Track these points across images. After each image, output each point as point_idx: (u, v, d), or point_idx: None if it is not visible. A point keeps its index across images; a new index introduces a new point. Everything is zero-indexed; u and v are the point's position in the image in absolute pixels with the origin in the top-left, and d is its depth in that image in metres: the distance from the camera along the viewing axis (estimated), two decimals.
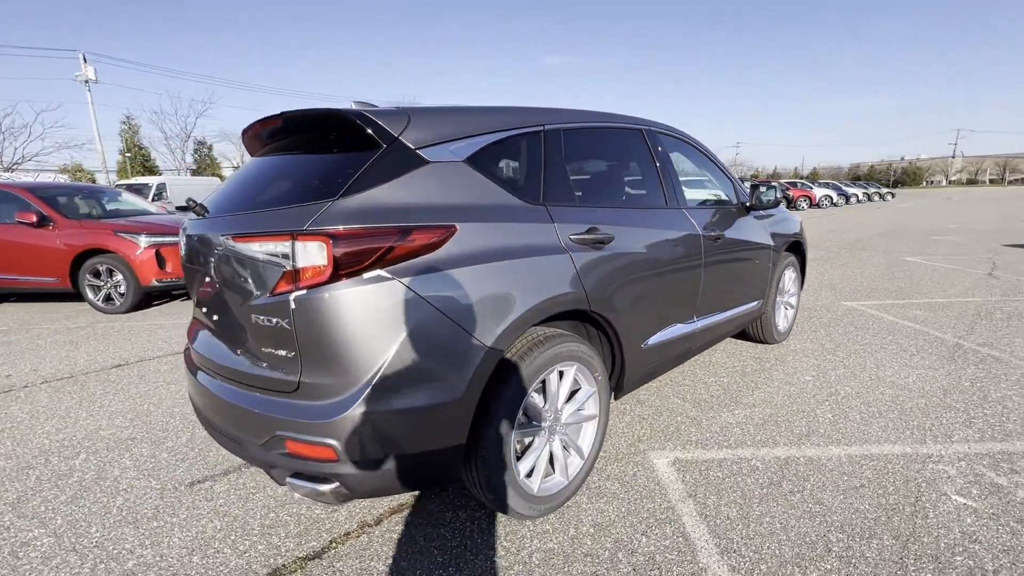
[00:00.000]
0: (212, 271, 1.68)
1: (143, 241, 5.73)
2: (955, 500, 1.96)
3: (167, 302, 6.27)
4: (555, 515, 1.95)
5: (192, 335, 2.01)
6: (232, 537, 1.89)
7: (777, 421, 2.65)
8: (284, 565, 1.73)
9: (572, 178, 2.09)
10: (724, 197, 3.14)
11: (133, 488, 2.22)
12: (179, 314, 5.61)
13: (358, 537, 1.87)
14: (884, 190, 37.99)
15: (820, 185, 29.59)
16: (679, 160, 2.87)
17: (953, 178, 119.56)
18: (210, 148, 41.00)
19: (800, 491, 2.05)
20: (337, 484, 1.46)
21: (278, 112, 1.73)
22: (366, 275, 1.40)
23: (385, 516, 1.98)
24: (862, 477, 2.13)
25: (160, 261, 5.73)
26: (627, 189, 2.46)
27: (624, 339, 2.13)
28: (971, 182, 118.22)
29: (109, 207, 6.78)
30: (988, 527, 1.80)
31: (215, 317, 1.76)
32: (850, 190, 30.77)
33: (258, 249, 1.47)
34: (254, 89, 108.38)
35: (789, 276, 3.85)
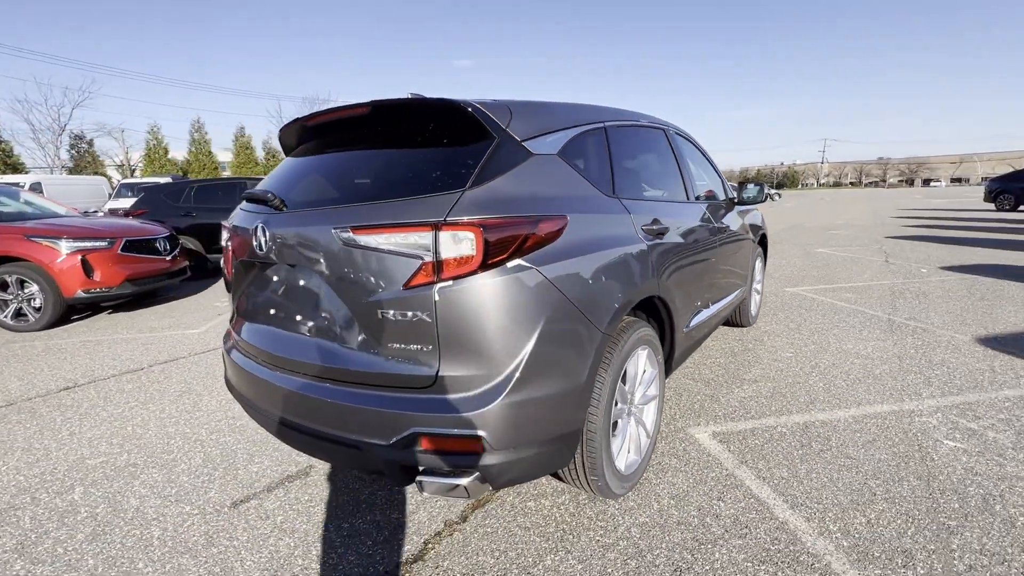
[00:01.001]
0: (310, 267, 1.57)
1: (64, 247, 5.00)
2: (947, 444, 2.34)
3: (89, 316, 5.51)
4: (632, 492, 2.05)
5: (255, 337, 1.84)
6: (313, 552, 1.77)
7: (782, 393, 2.96)
8: (388, 571, 1.67)
9: (630, 173, 2.21)
10: (717, 192, 3.44)
11: (166, 516, 1.99)
12: (111, 329, 4.96)
13: (451, 535, 1.84)
14: (774, 191, 42.67)
15: None
16: (685, 157, 3.10)
17: (822, 181, 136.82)
18: (90, 143, 36.09)
19: (829, 449, 2.32)
20: (475, 476, 1.44)
21: (364, 101, 1.66)
22: (509, 264, 1.40)
23: (468, 513, 1.96)
24: (870, 433, 2.46)
25: (87, 269, 5.03)
26: (665, 183, 2.63)
27: (676, 323, 2.28)
28: (836, 184, 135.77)
29: (7, 209, 5.81)
30: (980, 462, 2.18)
31: (309, 316, 1.65)
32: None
33: (387, 241, 1.41)
34: (145, 79, 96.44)
35: (758, 265, 4.28)
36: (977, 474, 2.09)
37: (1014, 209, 17.91)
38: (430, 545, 1.79)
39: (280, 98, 63.04)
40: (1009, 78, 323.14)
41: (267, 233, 1.67)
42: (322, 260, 1.54)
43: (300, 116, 1.90)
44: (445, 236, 1.36)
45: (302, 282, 1.66)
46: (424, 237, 1.37)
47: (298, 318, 1.69)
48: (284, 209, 1.68)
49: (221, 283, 7.39)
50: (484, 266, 1.36)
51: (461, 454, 1.42)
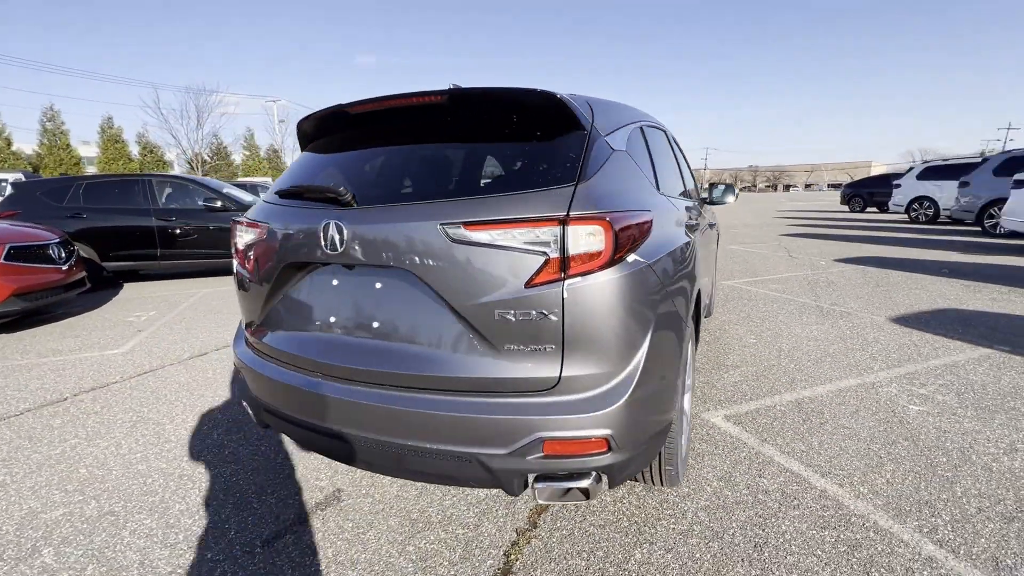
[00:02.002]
0: (403, 267, 1.43)
1: None
2: (913, 408, 2.72)
3: None
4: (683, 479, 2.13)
5: (310, 348, 1.62)
6: None
7: (765, 375, 3.25)
8: None
9: (661, 170, 2.29)
10: (693, 191, 3.68)
11: (186, 568, 1.69)
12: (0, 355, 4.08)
13: (529, 543, 1.77)
14: None
15: None
16: (680, 155, 3.29)
17: (705, 186, 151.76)
18: None
19: (826, 422, 2.59)
20: (594, 477, 1.41)
21: (442, 88, 1.54)
22: (629, 259, 1.38)
23: (536, 519, 1.90)
24: (851, 404, 2.79)
25: None
26: (675, 181, 2.75)
27: (700, 313, 2.41)
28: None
29: None
30: (943, 421, 2.57)
31: (397, 321, 1.49)
32: None
33: (504, 238, 1.32)
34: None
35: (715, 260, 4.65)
36: (946, 431, 2.46)
37: (863, 210, 21.33)
38: (512, 556, 1.71)
39: (158, 86, 55.90)
40: (851, 99, 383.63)
41: (345, 231, 1.48)
42: (423, 259, 1.40)
43: (343, 103, 1.71)
44: (573, 231, 1.30)
45: (381, 285, 1.50)
46: (548, 232, 1.31)
47: (376, 324, 1.52)
48: (355, 205, 1.51)
49: (124, 294, 6.40)
50: (612, 261, 1.34)
51: (585, 456, 1.37)
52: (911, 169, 15.58)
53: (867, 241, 10.47)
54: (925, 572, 1.59)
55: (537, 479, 1.40)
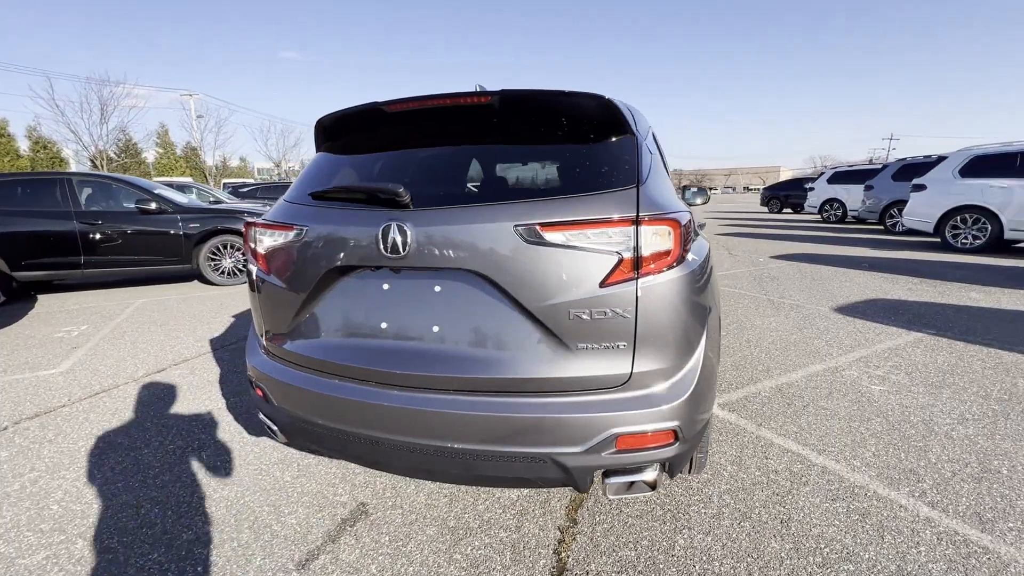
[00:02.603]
0: (471, 269, 1.41)
1: None
2: (875, 388, 3.03)
3: None
4: None
5: (357, 355, 1.54)
6: None
7: (743, 365, 3.48)
8: None
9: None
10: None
11: None
12: None
13: (575, 539, 1.80)
14: None
15: None
16: None
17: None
18: None
19: (808, 405, 2.83)
20: (658, 468, 1.46)
21: (490, 90, 1.53)
22: (688, 258, 1.45)
23: (572, 514, 1.93)
24: (824, 388, 3.06)
25: None
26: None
27: None
28: None
29: None
30: (903, 396, 2.89)
31: (462, 324, 1.45)
32: None
33: (578, 238, 1.34)
34: None
35: None
36: (907, 407, 2.77)
37: (780, 211, 23.31)
38: (563, 554, 1.73)
39: (52, 75, 49.93)
40: (761, 108, 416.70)
41: (409, 233, 1.43)
42: (496, 261, 1.38)
43: (378, 101, 1.65)
44: (646, 231, 1.35)
45: (441, 288, 1.47)
46: (621, 232, 1.34)
47: (436, 328, 1.48)
48: (412, 207, 1.46)
49: (42, 308, 5.68)
50: (678, 259, 1.40)
51: (655, 448, 1.42)
52: (822, 174, 17.22)
53: (791, 239, 11.46)
54: (927, 531, 1.79)
55: (607, 474, 1.43)
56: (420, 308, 1.50)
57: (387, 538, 1.83)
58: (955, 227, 8.88)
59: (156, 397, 3.12)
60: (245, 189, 15.32)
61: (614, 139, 1.56)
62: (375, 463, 1.64)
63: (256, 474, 2.25)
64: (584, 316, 1.36)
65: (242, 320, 4.94)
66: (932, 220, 9.12)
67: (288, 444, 1.82)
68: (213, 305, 5.67)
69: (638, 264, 1.36)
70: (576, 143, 1.58)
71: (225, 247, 6.79)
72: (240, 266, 6.88)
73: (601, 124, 1.58)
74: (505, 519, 1.91)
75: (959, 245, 8.82)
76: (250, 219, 1.84)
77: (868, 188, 13.08)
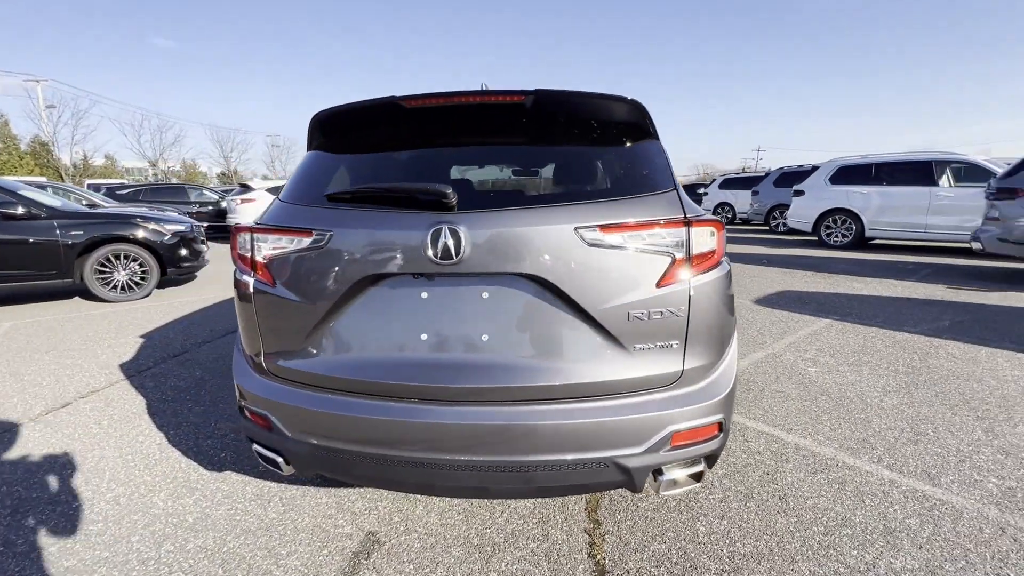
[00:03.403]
0: (529, 272, 1.36)
1: None
2: (811, 370, 3.42)
3: None
4: None
5: (398, 372, 1.40)
6: None
7: None
8: None
9: None
10: None
11: None
12: None
13: (603, 539, 1.80)
14: None
15: None
16: None
17: None
18: None
19: (763, 389, 3.11)
20: (703, 461, 1.51)
21: (525, 88, 1.48)
22: (724, 257, 1.52)
23: (592, 515, 1.94)
24: (772, 373, 3.38)
25: None
26: None
27: None
28: None
29: None
30: (836, 376, 3.28)
31: (513, 330, 1.38)
32: None
33: (634, 240, 1.35)
34: None
35: None
36: (840, 384, 3.16)
37: None
38: (598, 556, 1.72)
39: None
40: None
41: (463, 237, 1.33)
42: (557, 264, 1.34)
43: (395, 96, 1.53)
44: (696, 232, 1.39)
45: (489, 295, 1.40)
46: (674, 234, 1.38)
47: (486, 337, 1.40)
48: (456, 211, 1.37)
49: None
50: (719, 259, 1.46)
51: (703, 442, 1.47)
52: (714, 180, 19.08)
53: None
54: (895, 492, 2.05)
55: (658, 472, 1.46)
56: (466, 317, 1.41)
57: (411, 566, 1.70)
58: (828, 227, 10.30)
59: (68, 437, 2.61)
60: (125, 191, 13.40)
61: (645, 142, 1.60)
62: (420, 487, 1.52)
63: (232, 515, 1.97)
64: (641, 316, 1.38)
65: (156, 340, 4.31)
66: (810, 221, 10.50)
67: (297, 474, 1.62)
68: (109, 325, 4.88)
69: (689, 264, 1.40)
70: (610, 145, 1.59)
71: (117, 258, 5.88)
72: (138, 279, 6.00)
73: (631, 127, 1.60)
74: (529, 529, 1.87)
75: (831, 242, 10.25)
76: (242, 223, 1.61)
77: (755, 193, 14.73)
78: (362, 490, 2.10)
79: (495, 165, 1.62)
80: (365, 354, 1.46)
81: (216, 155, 60.04)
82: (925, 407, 2.81)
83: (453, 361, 1.42)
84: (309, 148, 1.77)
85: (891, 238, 9.61)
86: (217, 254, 9.04)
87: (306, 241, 1.45)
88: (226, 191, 16.14)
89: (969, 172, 8.97)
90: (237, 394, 1.67)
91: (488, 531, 1.86)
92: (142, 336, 4.47)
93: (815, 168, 11.00)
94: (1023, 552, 1.70)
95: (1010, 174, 6.24)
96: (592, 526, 1.88)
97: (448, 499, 2.04)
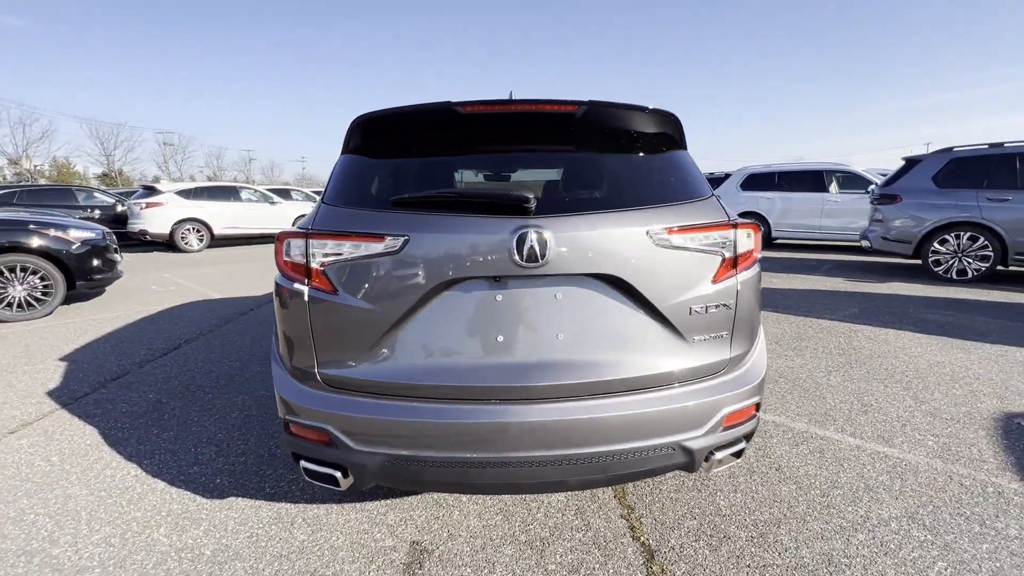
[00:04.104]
0: (606, 273, 1.44)
1: None
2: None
3: None
4: None
5: (481, 375, 1.41)
6: None
7: None
8: None
9: None
10: None
11: None
12: None
13: (641, 522, 1.92)
14: None
15: None
16: None
17: None
18: None
19: None
20: (743, 440, 1.68)
21: (579, 99, 1.56)
22: (759, 255, 1.70)
23: (622, 500, 2.05)
24: None
25: None
26: None
27: None
28: None
29: None
30: (786, 361, 3.69)
31: (586, 328, 1.45)
32: None
33: (694, 241, 1.48)
34: None
35: None
36: (793, 368, 3.57)
37: None
38: (643, 538, 1.84)
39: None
40: None
41: (549, 240, 1.38)
42: (632, 264, 1.44)
43: (450, 102, 1.54)
44: (741, 233, 1.56)
45: (562, 295, 1.47)
46: (724, 235, 1.53)
47: (561, 336, 1.46)
48: (532, 213, 1.41)
49: None
50: (756, 256, 1.63)
51: (746, 422, 1.64)
52: None
53: None
54: (863, 455, 2.38)
55: (715, 451, 1.60)
56: (541, 317, 1.46)
57: (468, 570, 1.70)
58: None
59: (15, 478, 2.25)
60: None
61: (679, 152, 1.75)
62: (504, 487, 1.53)
63: (254, 542, 1.83)
64: (700, 310, 1.51)
65: (82, 363, 3.79)
66: None
67: (355, 488, 1.56)
68: (13, 348, 4.21)
69: (736, 262, 1.56)
70: (652, 153, 1.71)
71: (13, 270, 5.08)
72: (40, 293, 5.21)
73: (668, 137, 1.75)
74: (570, 521, 1.94)
75: None
76: (291, 229, 1.52)
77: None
78: (388, 501, 2.05)
79: (546, 171, 1.68)
80: (440, 358, 1.46)
81: (96, 153, 52.95)
82: (863, 382, 3.28)
83: (531, 361, 1.46)
84: (347, 150, 1.71)
85: (793, 238, 10.86)
86: (136, 265, 8.03)
87: (377, 246, 1.42)
88: (125, 194, 14.42)
89: (849, 180, 10.41)
90: (282, 410, 1.57)
91: (532, 527, 1.91)
92: (63, 359, 3.92)
93: (727, 176, 12.14)
94: (971, 493, 2.07)
95: (889, 182, 7.35)
96: (626, 511, 2.00)
97: (483, 501, 2.05)
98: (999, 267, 6.43)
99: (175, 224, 11.02)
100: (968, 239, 6.52)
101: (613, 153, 1.69)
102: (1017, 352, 3.80)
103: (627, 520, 1.94)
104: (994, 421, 2.71)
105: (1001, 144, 6.53)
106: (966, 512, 1.96)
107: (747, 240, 1.61)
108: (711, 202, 1.60)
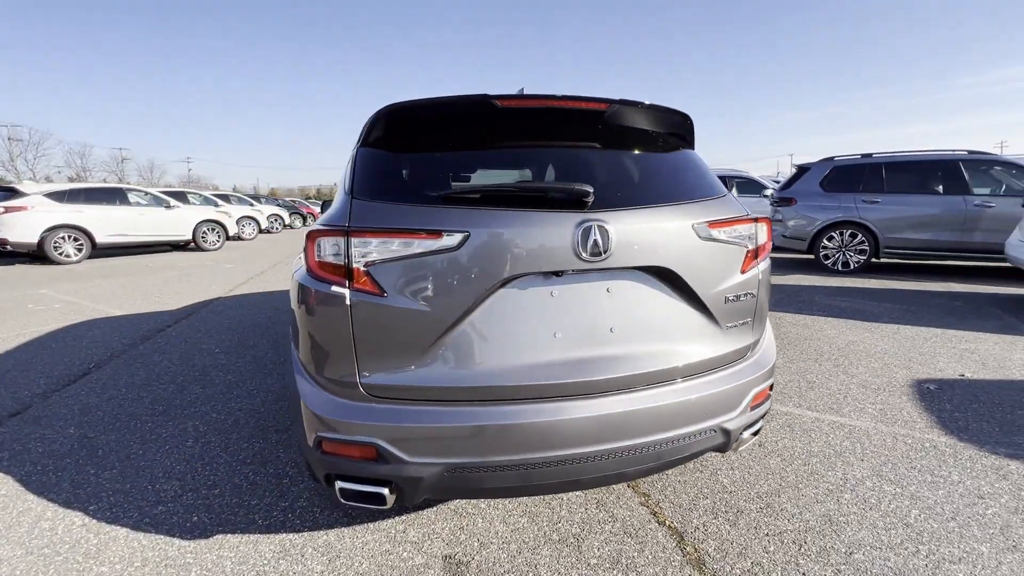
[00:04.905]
0: (657, 266, 1.48)
1: None
2: None
3: None
4: None
5: (538, 374, 1.37)
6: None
7: None
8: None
9: None
10: None
11: None
12: None
13: (660, 507, 1.99)
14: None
15: (315, 203, 33.14)
16: None
17: None
18: None
19: None
20: (761, 419, 1.81)
21: (610, 98, 1.60)
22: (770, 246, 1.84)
23: (636, 489, 2.12)
24: None
25: None
26: None
27: None
28: None
29: None
30: None
31: (636, 320, 1.48)
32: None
33: (728, 234, 1.57)
34: None
35: None
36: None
37: None
38: (668, 522, 1.91)
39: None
40: None
41: (611, 234, 1.39)
42: (680, 256, 1.49)
43: (487, 95, 1.49)
44: (760, 227, 1.68)
45: (611, 288, 1.49)
46: (748, 229, 1.64)
47: (612, 329, 1.47)
48: (588, 208, 1.41)
49: None
50: (770, 248, 1.77)
51: (764, 401, 1.76)
52: None
53: None
54: (823, 425, 2.67)
55: (744, 431, 1.71)
56: (594, 311, 1.47)
57: (515, 574, 1.65)
58: None
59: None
60: None
61: (690, 151, 1.85)
62: (567, 485, 1.49)
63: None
64: (732, 299, 1.61)
65: None
66: None
67: (404, 503, 1.46)
68: None
69: (757, 253, 1.68)
70: (669, 151, 1.79)
71: None
72: None
73: (681, 137, 1.84)
74: (595, 514, 1.96)
75: None
76: (320, 226, 1.37)
77: None
78: (403, 517, 1.93)
79: (583, 166, 1.69)
80: (498, 357, 1.40)
81: None
82: (800, 362, 3.68)
83: (588, 356, 1.46)
84: (369, 142, 1.58)
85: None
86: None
87: (433, 243, 1.33)
88: None
89: (746, 185, 11.63)
90: (314, 429, 1.41)
91: (560, 526, 1.90)
92: None
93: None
94: (914, 449, 2.41)
95: (786, 187, 8.33)
96: (644, 499, 2.06)
97: (505, 505, 2.00)
98: (873, 259, 7.55)
99: (45, 232, 9.41)
100: (849, 235, 7.58)
101: (642, 151, 1.75)
102: (907, 329, 4.49)
103: (647, 507, 2.00)
104: (910, 387, 3.18)
105: (871, 155, 7.69)
106: (917, 465, 2.28)
107: (763, 234, 1.74)
108: (728, 199, 1.71)
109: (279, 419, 2.81)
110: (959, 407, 2.87)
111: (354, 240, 1.34)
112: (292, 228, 21.97)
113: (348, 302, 1.35)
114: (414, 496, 1.42)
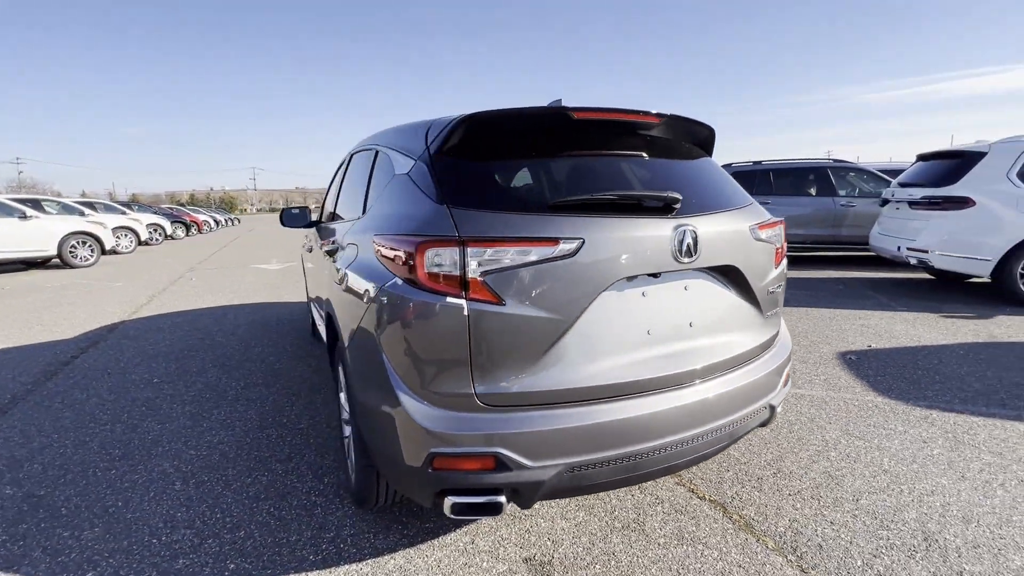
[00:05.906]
0: (727, 264, 1.66)
1: None
2: None
3: None
4: None
5: (639, 370, 1.47)
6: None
7: None
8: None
9: None
10: None
11: None
12: None
13: (694, 484, 2.19)
14: (231, 215, 42.56)
15: (197, 211, 29.67)
16: None
17: (257, 208, 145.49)
18: None
19: None
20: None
21: (660, 111, 1.74)
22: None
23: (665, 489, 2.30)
24: None
25: None
26: None
27: None
28: (272, 210, 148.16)
29: None
30: None
31: (710, 314, 1.65)
32: (215, 215, 32.23)
33: (768, 235, 1.79)
34: None
35: None
36: None
37: None
38: (704, 495, 2.10)
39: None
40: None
41: (700, 237, 1.53)
42: (744, 256, 1.69)
43: (565, 106, 1.56)
44: (783, 229, 1.93)
45: (687, 287, 1.63)
46: (776, 230, 1.88)
47: (691, 324, 1.61)
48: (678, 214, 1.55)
49: None
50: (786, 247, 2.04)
51: (789, 379, 2.03)
52: None
53: None
54: (792, 399, 3.09)
55: (779, 406, 1.95)
56: (676, 308, 1.60)
57: (597, 567, 1.72)
58: None
59: None
60: None
61: (708, 159, 2.05)
62: (667, 470, 1.59)
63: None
64: (772, 291, 1.85)
65: None
66: None
67: (520, 507, 1.48)
68: None
69: (781, 249, 1.94)
70: (702, 160, 1.98)
71: None
72: None
73: (708, 147, 2.05)
74: (640, 498, 2.10)
75: None
76: (425, 236, 1.33)
77: None
78: (466, 529, 1.91)
79: (649, 175, 1.80)
80: (605, 357, 1.47)
81: None
82: None
83: (676, 349, 1.58)
84: (445, 150, 1.55)
85: None
86: None
87: (550, 251, 1.36)
88: None
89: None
90: (426, 446, 1.36)
91: (619, 512, 2.01)
92: None
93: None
94: (862, 409, 2.89)
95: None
96: (679, 478, 2.24)
97: (558, 503, 2.06)
98: None
99: None
100: None
101: (690, 160, 1.92)
102: (814, 312, 5.27)
103: (683, 486, 2.19)
104: (837, 359, 3.78)
105: (760, 161, 8.86)
106: (870, 422, 2.74)
107: (782, 235, 2.01)
108: (756, 205, 1.95)
109: (275, 448, 2.58)
110: (879, 372, 3.48)
111: (470, 250, 1.33)
112: (174, 239, 19.48)
113: (465, 313, 1.33)
114: (533, 499, 1.44)
